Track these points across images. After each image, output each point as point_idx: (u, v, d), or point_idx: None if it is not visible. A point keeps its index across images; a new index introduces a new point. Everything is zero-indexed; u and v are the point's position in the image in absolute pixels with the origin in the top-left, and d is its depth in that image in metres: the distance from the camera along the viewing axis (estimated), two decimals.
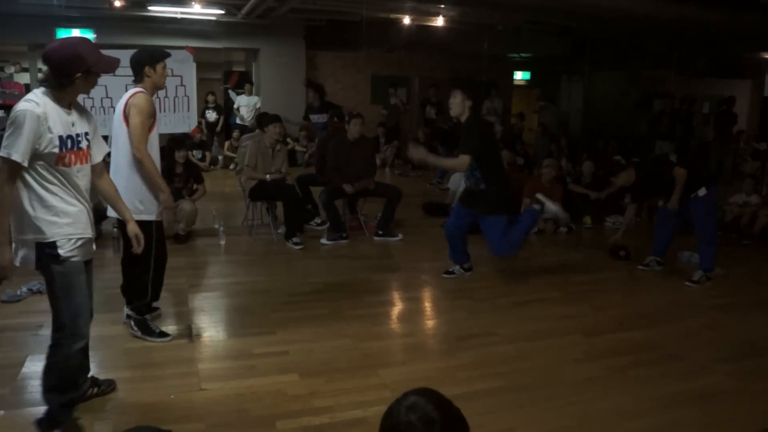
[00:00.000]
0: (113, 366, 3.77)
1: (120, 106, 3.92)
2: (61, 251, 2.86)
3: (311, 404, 3.39)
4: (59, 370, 2.99)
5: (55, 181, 2.83)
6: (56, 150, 2.78)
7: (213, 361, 3.95)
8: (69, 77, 2.78)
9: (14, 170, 2.72)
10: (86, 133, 2.96)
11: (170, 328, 4.42)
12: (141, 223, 3.56)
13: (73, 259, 2.91)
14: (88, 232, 3.00)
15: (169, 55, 4.10)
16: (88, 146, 2.98)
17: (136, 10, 10.95)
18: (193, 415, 3.24)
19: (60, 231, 2.86)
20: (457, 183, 8.31)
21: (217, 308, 4.96)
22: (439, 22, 12.02)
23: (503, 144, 11.21)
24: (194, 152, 11.03)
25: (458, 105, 5.27)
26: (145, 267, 4.07)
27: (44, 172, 2.80)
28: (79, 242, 2.93)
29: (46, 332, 4.08)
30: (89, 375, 3.36)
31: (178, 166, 6.85)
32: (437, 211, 8.47)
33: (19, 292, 4.85)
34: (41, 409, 3.08)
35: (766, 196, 8.56)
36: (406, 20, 11.92)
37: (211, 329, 4.50)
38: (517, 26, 12.80)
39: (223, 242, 6.73)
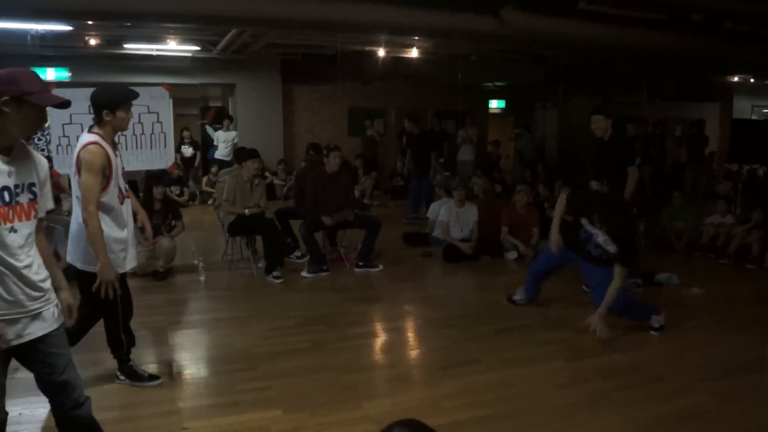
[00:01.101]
0: (93, 408, 3.69)
1: (75, 152, 3.63)
2: None
3: None
4: None
5: None
6: None
7: (195, 399, 3.89)
8: None
9: None
10: (31, 185, 2.46)
11: (150, 366, 4.35)
12: (95, 276, 3.52)
13: None
14: (23, 305, 2.44)
15: (134, 95, 3.77)
16: (33, 199, 2.47)
17: (111, 48, 10.97)
18: None
19: None
20: (436, 212, 8.36)
21: (197, 345, 4.90)
22: (414, 53, 12.17)
23: (480, 171, 11.36)
24: (172, 188, 10.98)
25: (602, 127, 5.99)
26: (114, 319, 3.93)
27: None
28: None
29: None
30: None
31: (156, 202, 6.82)
32: (417, 240, 8.49)
33: None
34: None
35: (740, 216, 8.70)
36: (381, 52, 12.06)
37: (192, 366, 4.44)
38: (490, 56, 12.98)
39: (203, 278, 6.68)
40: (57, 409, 2.68)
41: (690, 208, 8.67)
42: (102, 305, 3.75)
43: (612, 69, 13.50)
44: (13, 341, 2.42)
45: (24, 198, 2.43)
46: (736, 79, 15.96)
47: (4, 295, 2.38)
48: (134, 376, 4.07)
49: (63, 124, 6.27)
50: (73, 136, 6.13)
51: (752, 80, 16.03)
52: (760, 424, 3.56)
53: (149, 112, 6.58)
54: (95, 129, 3.65)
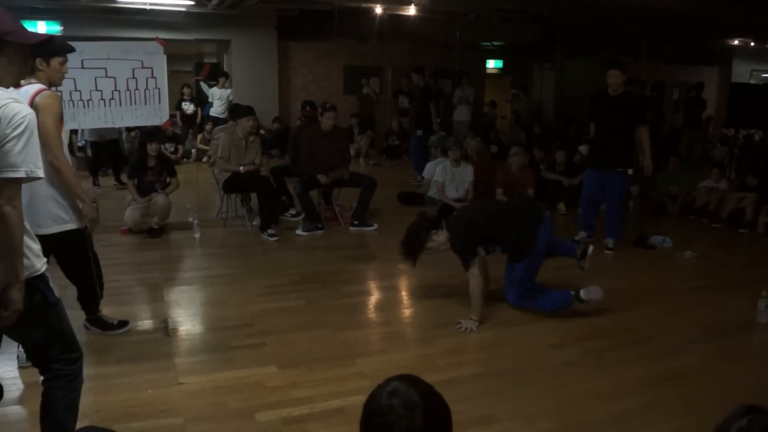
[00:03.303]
0: (89, 362, 3.70)
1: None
2: (52, 284, 2.38)
3: (290, 395, 3.38)
4: (78, 400, 2.58)
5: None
6: None
7: (190, 355, 3.91)
8: None
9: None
10: None
11: (146, 322, 4.38)
12: (70, 233, 3.48)
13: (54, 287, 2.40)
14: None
15: (70, 49, 3.57)
16: None
17: (104, 1, 10.76)
18: (171, 410, 3.21)
19: (43, 260, 2.36)
20: (432, 172, 8.33)
21: (193, 301, 4.91)
22: (411, 11, 12.00)
23: (473, 132, 11.24)
24: (167, 145, 10.90)
25: (619, 82, 6.04)
26: (88, 273, 3.87)
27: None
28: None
29: None
30: None
31: (150, 159, 6.77)
32: (412, 200, 8.48)
33: None
34: (14, 409, 3.03)
35: (735, 181, 8.71)
36: (379, 10, 11.88)
37: (187, 323, 4.46)
38: (489, 14, 12.82)
39: (197, 235, 6.67)
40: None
41: (685, 173, 8.67)
42: (84, 261, 3.75)
43: (611, 30, 13.37)
44: None
45: None
46: (736, 42, 15.83)
47: None
48: (105, 325, 4.10)
49: None
50: (65, 91, 6.04)
51: (752, 44, 15.89)
52: (749, 384, 3.61)
53: (143, 67, 6.48)
54: (31, 79, 3.39)
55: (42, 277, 2.32)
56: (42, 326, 2.41)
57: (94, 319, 4.11)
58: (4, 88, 2.16)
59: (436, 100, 10.45)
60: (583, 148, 9.28)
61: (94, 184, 9.24)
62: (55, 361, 2.49)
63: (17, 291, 2.16)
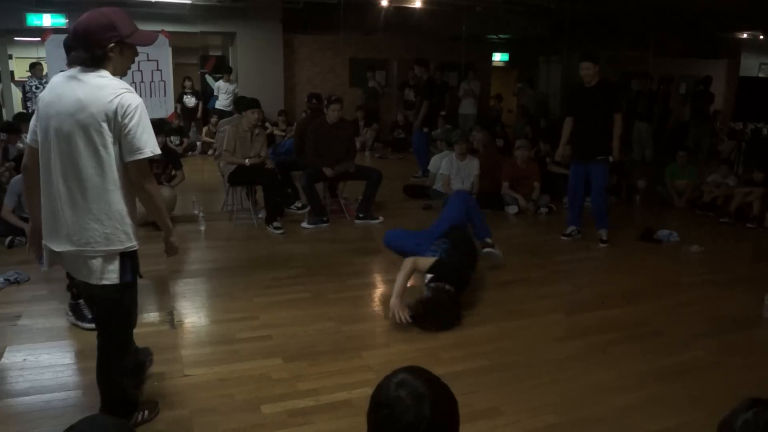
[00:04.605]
0: (92, 356, 3.72)
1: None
2: (136, 263, 2.72)
3: (296, 387, 3.39)
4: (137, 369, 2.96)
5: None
6: None
7: (196, 347, 3.92)
8: (102, 48, 2.44)
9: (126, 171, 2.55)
10: None
11: (152, 315, 4.39)
12: None
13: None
14: None
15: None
16: None
17: None
18: (177, 402, 3.22)
19: (135, 239, 2.68)
20: (437, 165, 8.32)
21: (198, 294, 4.92)
22: (418, 3, 11.96)
23: (479, 126, 11.22)
24: (172, 138, 10.90)
25: (590, 74, 6.12)
26: None
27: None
28: None
29: (25, 322, 4.06)
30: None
31: None
32: (418, 193, 8.48)
33: None
34: (22, 400, 3.04)
35: (742, 175, 8.66)
36: (385, 2, 11.84)
37: (193, 315, 4.47)
38: (495, 7, 12.77)
39: (203, 228, 6.68)
40: None
41: (692, 168, 8.64)
42: None
43: (618, 24, 13.29)
44: None
45: None
46: (745, 35, 15.71)
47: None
48: (80, 315, 4.08)
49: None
50: None
51: (761, 37, 15.76)
52: (755, 379, 3.60)
53: (149, 60, 6.47)
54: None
55: (130, 255, 2.65)
56: (128, 300, 2.74)
57: (75, 307, 4.11)
58: (119, 79, 2.51)
59: (440, 94, 10.41)
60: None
61: None
62: (114, 336, 2.79)
63: (171, 238, 2.83)
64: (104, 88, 2.44)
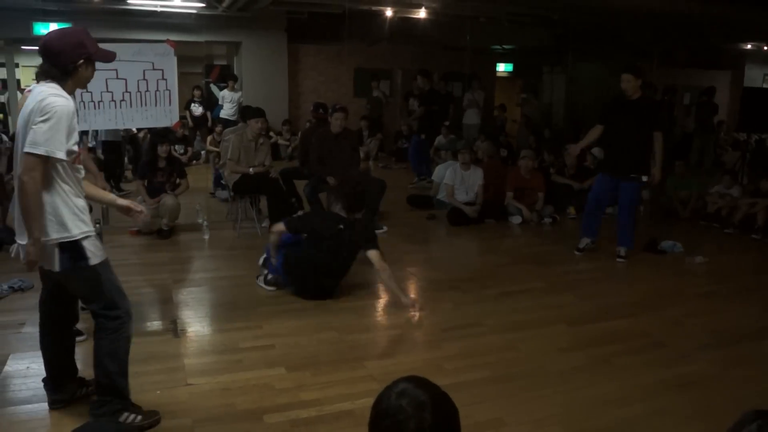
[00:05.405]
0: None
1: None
2: (91, 248, 2.83)
3: (298, 397, 3.38)
4: (124, 353, 2.99)
5: (68, 178, 2.76)
6: (76, 147, 2.76)
7: (199, 356, 3.92)
8: (72, 64, 2.72)
9: (46, 169, 2.65)
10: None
11: (155, 323, 4.39)
12: None
13: (101, 258, 2.88)
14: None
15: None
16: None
17: (115, 3, 10.82)
18: (179, 411, 3.22)
19: (82, 229, 2.80)
20: (441, 175, 8.33)
21: (202, 303, 4.93)
22: (422, 14, 12.00)
23: (483, 135, 11.27)
24: (176, 147, 10.93)
25: (632, 87, 5.92)
26: None
27: (62, 170, 2.72)
28: (92, 236, 2.89)
29: (29, 329, 4.06)
30: (77, 375, 3.31)
31: (161, 160, 6.80)
32: (421, 203, 8.48)
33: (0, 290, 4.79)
34: (25, 408, 3.04)
35: (747, 186, 8.64)
36: (389, 12, 11.88)
37: (196, 324, 4.47)
38: (499, 18, 12.81)
39: (207, 237, 6.69)
40: (63, 335, 3.19)
41: (694, 178, 8.63)
42: None
43: (622, 34, 13.31)
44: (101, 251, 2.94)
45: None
46: (749, 46, 15.72)
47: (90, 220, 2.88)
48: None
49: None
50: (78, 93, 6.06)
51: (765, 48, 15.76)
52: (760, 391, 3.58)
53: (154, 69, 6.51)
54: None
55: (74, 243, 2.76)
56: (82, 284, 2.90)
57: None
58: (54, 84, 2.69)
59: (443, 103, 10.49)
60: (596, 150, 9.25)
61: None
62: (96, 316, 2.94)
63: (30, 245, 2.69)
64: (40, 94, 2.66)
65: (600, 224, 6.40)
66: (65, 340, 3.19)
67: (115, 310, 2.94)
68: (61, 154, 2.64)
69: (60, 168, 2.71)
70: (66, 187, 2.75)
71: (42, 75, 2.74)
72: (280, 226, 4.88)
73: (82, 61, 2.74)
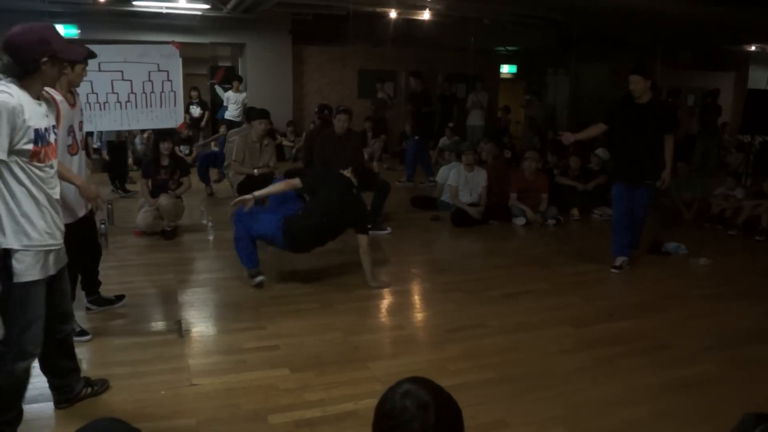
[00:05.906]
0: (103, 363, 3.75)
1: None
2: (18, 265, 2.60)
3: (302, 398, 3.39)
4: None
5: (27, 179, 2.58)
6: (31, 145, 2.55)
7: (203, 357, 3.93)
8: (34, 62, 2.55)
9: None
10: (53, 127, 2.75)
11: (159, 324, 4.41)
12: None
13: (30, 278, 2.64)
14: (57, 238, 2.77)
15: (93, 55, 3.62)
16: (55, 140, 2.76)
17: (120, 5, 10.86)
18: (184, 411, 3.23)
19: (22, 242, 2.61)
20: (445, 176, 8.33)
21: (206, 303, 4.94)
22: (426, 15, 12.02)
23: (486, 137, 11.28)
24: (181, 147, 10.94)
25: (640, 88, 5.63)
26: (97, 262, 4.43)
27: (16, 170, 2.55)
28: (42, 254, 2.68)
29: None
30: (82, 375, 3.32)
31: (163, 158, 6.81)
32: (425, 204, 8.48)
33: None
34: (30, 407, 3.06)
35: (751, 187, 8.63)
36: (393, 14, 11.91)
37: (200, 325, 4.48)
38: (503, 19, 12.82)
39: (211, 237, 6.70)
40: (54, 334, 2.99)
41: (697, 179, 8.61)
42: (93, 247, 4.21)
43: (626, 36, 13.32)
44: (49, 272, 2.77)
45: (53, 138, 2.73)
46: (753, 48, 15.71)
47: (48, 228, 2.69)
48: (103, 302, 4.45)
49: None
50: (82, 93, 6.08)
51: None
52: (764, 393, 3.58)
53: (159, 70, 6.52)
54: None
55: (3, 253, 2.58)
56: None
57: (94, 300, 4.44)
58: (8, 82, 2.55)
59: (448, 105, 10.53)
60: (600, 151, 9.25)
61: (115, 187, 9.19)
62: None
63: None
64: None
65: (630, 238, 6.07)
66: (56, 336, 3.03)
67: (6, 346, 2.69)
68: (2, 155, 2.46)
69: (11, 169, 2.53)
70: (17, 189, 2.57)
71: (2, 72, 2.58)
72: (296, 182, 5.23)
73: (46, 59, 2.57)
